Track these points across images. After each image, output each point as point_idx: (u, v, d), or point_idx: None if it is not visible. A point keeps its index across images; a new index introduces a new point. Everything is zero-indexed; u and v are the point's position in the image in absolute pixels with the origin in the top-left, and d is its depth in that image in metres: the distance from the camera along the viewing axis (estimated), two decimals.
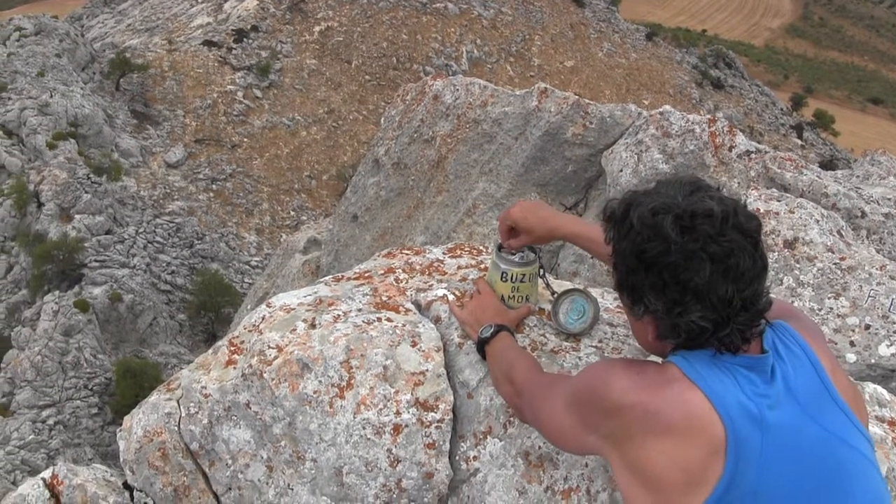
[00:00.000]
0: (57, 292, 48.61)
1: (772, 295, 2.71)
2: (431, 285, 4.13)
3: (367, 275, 4.35)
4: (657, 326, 2.70)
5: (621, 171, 7.81)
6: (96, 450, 42.69)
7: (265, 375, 3.71)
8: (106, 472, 4.51)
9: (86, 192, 55.40)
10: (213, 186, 67.80)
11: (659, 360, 2.81)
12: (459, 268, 4.34)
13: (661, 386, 2.58)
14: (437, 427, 3.54)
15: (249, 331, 4.01)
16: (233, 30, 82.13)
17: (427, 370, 3.62)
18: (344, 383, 3.62)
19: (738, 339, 2.58)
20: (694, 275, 2.50)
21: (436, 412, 3.55)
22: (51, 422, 43.17)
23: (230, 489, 3.94)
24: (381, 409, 3.55)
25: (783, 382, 2.60)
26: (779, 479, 2.46)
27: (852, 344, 4.96)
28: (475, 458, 3.60)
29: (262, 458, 3.82)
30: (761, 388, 2.56)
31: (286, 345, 3.76)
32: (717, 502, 2.44)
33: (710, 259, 2.48)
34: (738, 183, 7.08)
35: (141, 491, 4.20)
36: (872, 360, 5.06)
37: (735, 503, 2.44)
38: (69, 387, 44.93)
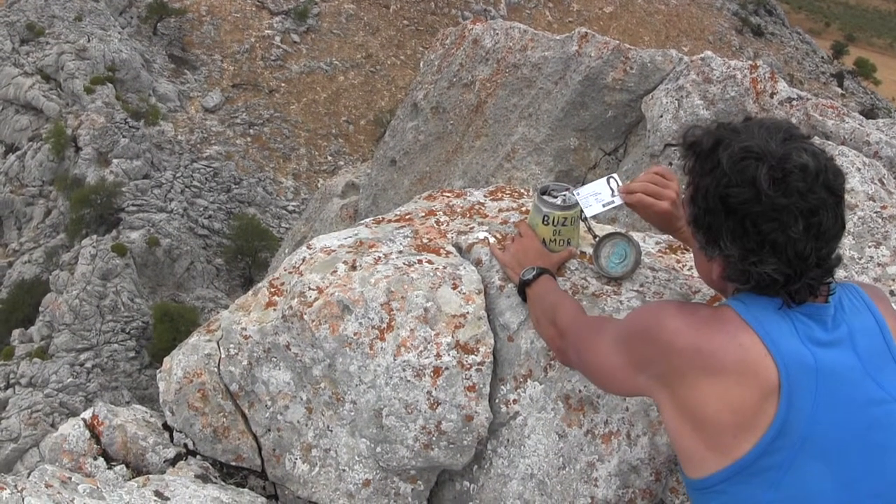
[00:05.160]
0: (95, 236, 49.05)
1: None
2: (472, 228, 4.11)
3: (407, 217, 4.34)
4: (725, 268, 2.65)
5: (661, 116, 7.75)
6: (133, 393, 43.21)
7: (305, 317, 3.71)
8: (146, 412, 4.54)
9: (123, 137, 55.72)
10: (251, 131, 67.96)
11: (705, 301, 2.77)
12: (500, 210, 4.31)
13: (714, 327, 2.55)
14: (477, 370, 3.53)
15: (290, 272, 4.00)
16: None
17: (468, 313, 3.61)
18: (384, 325, 3.62)
19: (805, 293, 2.54)
20: (777, 228, 2.45)
21: (476, 355, 3.54)
22: (88, 365, 43.72)
23: (269, 430, 3.95)
24: (421, 352, 3.54)
25: (843, 336, 2.55)
26: (829, 431, 2.42)
27: (892, 293, 4.90)
28: (515, 401, 3.60)
29: (302, 399, 3.84)
30: (820, 336, 2.52)
31: (327, 286, 3.76)
32: (766, 447, 2.41)
33: (797, 215, 2.43)
34: None
35: (180, 432, 4.23)
36: None
37: (784, 449, 2.41)
38: (107, 330, 45.44)
